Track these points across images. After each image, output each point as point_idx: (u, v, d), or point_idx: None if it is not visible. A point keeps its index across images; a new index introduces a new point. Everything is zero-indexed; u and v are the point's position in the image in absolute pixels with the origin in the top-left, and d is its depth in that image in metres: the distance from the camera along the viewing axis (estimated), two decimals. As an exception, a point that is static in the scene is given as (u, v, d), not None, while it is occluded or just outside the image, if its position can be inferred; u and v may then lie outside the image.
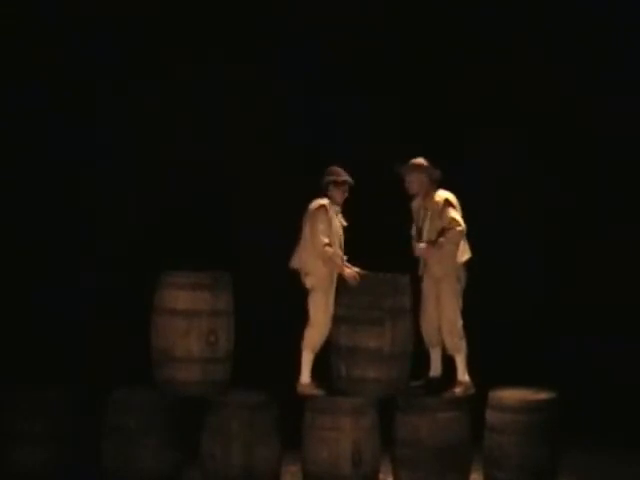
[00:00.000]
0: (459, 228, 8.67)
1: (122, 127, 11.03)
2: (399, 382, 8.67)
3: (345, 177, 8.91)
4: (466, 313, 8.85)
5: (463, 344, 8.84)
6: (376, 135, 11.17)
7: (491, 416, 8.72)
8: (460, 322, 8.82)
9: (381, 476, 8.91)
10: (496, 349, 10.51)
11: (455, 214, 8.72)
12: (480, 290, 9.02)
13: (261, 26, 11.25)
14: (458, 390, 8.79)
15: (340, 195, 8.93)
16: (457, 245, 8.71)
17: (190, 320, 8.57)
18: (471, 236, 8.84)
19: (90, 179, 11.09)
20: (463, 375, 8.85)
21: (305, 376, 8.87)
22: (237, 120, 11.17)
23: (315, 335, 8.85)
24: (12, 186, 10.92)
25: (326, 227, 8.80)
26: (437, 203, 8.77)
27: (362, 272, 8.77)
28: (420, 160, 8.88)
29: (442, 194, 8.81)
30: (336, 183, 8.90)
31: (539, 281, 11.40)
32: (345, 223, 9.02)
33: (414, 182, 8.88)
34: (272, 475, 8.70)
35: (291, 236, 9.00)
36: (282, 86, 11.20)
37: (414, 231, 8.96)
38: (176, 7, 11.13)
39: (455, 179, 8.91)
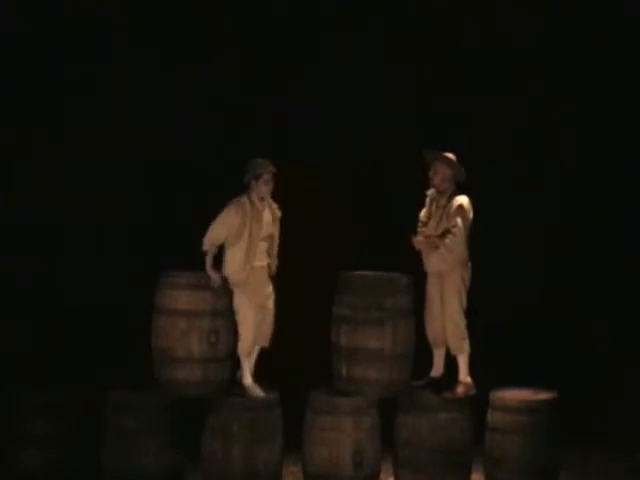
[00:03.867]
0: (456, 239, 8.65)
1: (122, 127, 11.02)
2: (400, 382, 8.67)
3: (260, 169, 8.69)
4: (467, 313, 8.85)
5: (466, 345, 8.83)
6: (376, 135, 11.16)
7: (492, 416, 8.72)
8: (464, 323, 8.82)
9: (382, 477, 8.92)
10: (496, 349, 10.50)
11: (461, 223, 8.68)
12: (480, 290, 9.02)
13: (262, 26, 11.24)
14: (459, 390, 8.79)
15: (263, 188, 8.72)
16: (451, 252, 8.68)
17: (191, 320, 8.57)
18: (472, 236, 8.83)
19: (90, 179, 11.08)
20: (465, 376, 8.84)
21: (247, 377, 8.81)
22: (237, 120, 11.15)
23: (243, 339, 8.76)
24: (12, 186, 10.92)
25: (219, 230, 8.66)
26: (451, 206, 8.74)
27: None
28: (452, 155, 8.85)
29: (459, 199, 8.74)
30: (255, 177, 8.73)
31: (539, 281, 11.39)
32: (279, 213, 8.83)
33: (439, 174, 8.80)
34: (273, 476, 8.69)
35: (290, 236, 9.01)
36: (283, 86, 11.20)
37: (423, 216, 8.93)
38: (176, 7, 11.12)
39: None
